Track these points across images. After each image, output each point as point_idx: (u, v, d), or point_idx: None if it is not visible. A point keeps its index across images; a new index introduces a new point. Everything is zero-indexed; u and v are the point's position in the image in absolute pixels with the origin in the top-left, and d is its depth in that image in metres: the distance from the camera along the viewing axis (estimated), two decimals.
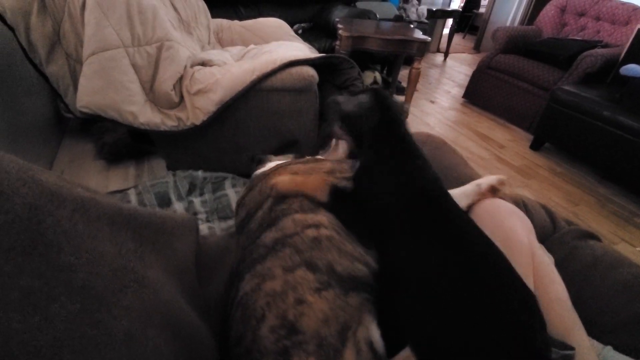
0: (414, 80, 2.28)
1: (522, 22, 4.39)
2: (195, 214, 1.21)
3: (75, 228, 0.31)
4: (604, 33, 2.63)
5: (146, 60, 1.20)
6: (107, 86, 1.16)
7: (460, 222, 0.54)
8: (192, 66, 1.31)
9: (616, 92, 2.01)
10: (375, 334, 0.47)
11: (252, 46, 1.68)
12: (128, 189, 1.27)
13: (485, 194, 0.71)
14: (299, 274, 0.48)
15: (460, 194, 0.73)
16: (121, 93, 1.17)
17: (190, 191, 1.31)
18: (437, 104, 3.04)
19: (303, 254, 0.51)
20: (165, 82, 1.21)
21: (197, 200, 1.25)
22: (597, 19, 2.70)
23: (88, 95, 1.17)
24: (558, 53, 2.46)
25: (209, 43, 1.82)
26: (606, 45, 2.49)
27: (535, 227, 0.72)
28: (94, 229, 0.33)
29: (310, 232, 0.53)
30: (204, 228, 1.14)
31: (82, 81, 1.18)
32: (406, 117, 0.77)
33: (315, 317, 0.44)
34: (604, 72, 2.28)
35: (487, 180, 0.73)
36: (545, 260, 0.68)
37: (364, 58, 2.83)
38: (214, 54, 1.46)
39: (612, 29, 2.60)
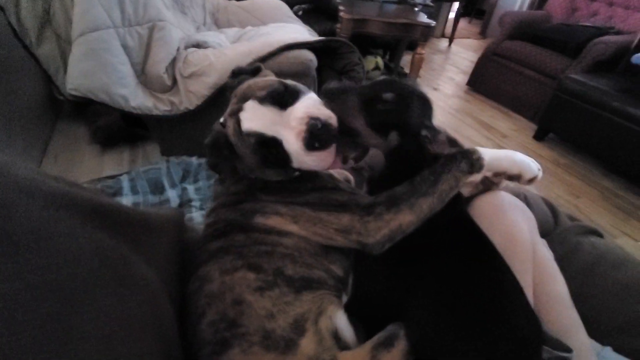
0: (417, 66, 2.22)
1: (531, 7, 4.23)
2: (189, 201, 1.19)
3: (47, 225, 0.29)
4: (616, 19, 2.53)
5: (137, 41, 1.16)
6: (97, 68, 1.12)
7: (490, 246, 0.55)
8: (185, 48, 1.26)
9: (627, 82, 1.95)
10: (340, 322, 0.47)
11: (249, 28, 1.62)
12: (120, 174, 1.24)
13: (476, 186, 0.69)
14: (238, 275, 0.48)
15: None
16: (112, 75, 1.13)
17: (184, 177, 1.28)
18: (440, 91, 2.97)
19: (246, 259, 0.50)
20: (158, 64, 1.17)
21: (190, 187, 1.23)
22: (610, 4, 2.60)
23: (77, 77, 1.13)
24: (567, 40, 2.37)
25: (204, 24, 1.76)
26: (618, 32, 2.40)
27: (536, 221, 0.69)
28: (68, 226, 0.31)
29: (263, 248, 0.51)
30: (197, 216, 1.12)
31: (72, 63, 1.14)
32: None
33: (256, 315, 0.44)
34: (615, 60, 2.19)
35: None
36: (547, 256, 0.66)
37: (365, 42, 2.74)
38: (209, 36, 1.41)
39: (625, 14, 2.50)
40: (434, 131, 0.55)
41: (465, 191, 0.71)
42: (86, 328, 0.28)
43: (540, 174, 0.55)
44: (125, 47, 1.14)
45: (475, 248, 0.53)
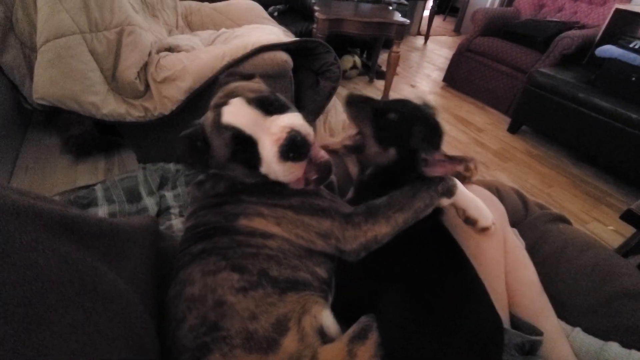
0: (393, 64, 2.25)
1: (502, 4, 4.35)
2: (168, 208, 1.17)
3: (11, 241, 0.28)
4: (581, 14, 2.64)
5: (106, 46, 1.13)
6: (65, 76, 1.09)
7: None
8: (157, 52, 1.24)
9: (592, 74, 2.03)
10: (326, 319, 0.48)
11: (223, 30, 1.61)
12: (95, 184, 1.21)
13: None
14: (221, 275, 0.47)
15: None
16: (80, 83, 1.10)
17: (161, 185, 1.26)
18: (418, 88, 3.02)
19: (230, 260, 0.49)
20: (128, 69, 1.15)
21: (169, 194, 1.21)
22: None
23: (44, 86, 1.10)
24: (535, 35, 2.45)
25: (177, 27, 1.73)
26: (583, 26, 2.50)
27: (508, 212, 0.72)
28: (31, 240, 0.30)
29: (248, 250, 0.51)
30: (176, 223, 1.10)
31: (38, 71, 1.10)
32: None
33: (239, 316, 0.44)
34: (580, 53, 2.29)
35: None
36: (517, 244, 0.69)
37: (343, 41, 2.76)
38: (182, 39, 1.39)
39: (589, 9, 2.60)
40: (431, 156, 0.57)
41: None
42: (54, 343, 0.28)
43: (493, 228, 0.59)
44: (93, 53, 1.11)
45: (444, 254, 0.58)
